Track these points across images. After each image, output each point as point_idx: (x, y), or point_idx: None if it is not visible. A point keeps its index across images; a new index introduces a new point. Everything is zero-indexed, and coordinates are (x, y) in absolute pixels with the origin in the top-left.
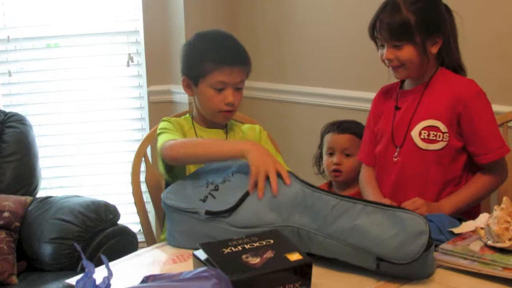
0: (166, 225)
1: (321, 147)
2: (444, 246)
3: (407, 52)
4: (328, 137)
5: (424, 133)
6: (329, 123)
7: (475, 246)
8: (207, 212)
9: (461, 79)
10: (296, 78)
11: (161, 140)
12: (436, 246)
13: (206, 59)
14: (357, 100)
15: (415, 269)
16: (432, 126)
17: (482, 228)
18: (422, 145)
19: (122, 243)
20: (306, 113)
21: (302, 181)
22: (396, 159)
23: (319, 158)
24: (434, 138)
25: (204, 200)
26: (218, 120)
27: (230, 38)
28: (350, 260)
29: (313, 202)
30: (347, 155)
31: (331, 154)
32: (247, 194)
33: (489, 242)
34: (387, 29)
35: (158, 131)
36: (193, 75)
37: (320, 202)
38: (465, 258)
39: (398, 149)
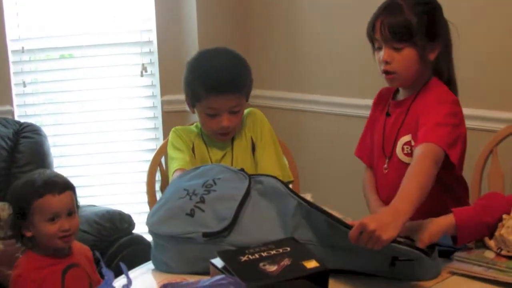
0: (153, 253)
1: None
2: (459, 253)
3: (407, 55)
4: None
5: (407, 148)
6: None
7: (490, 253)
8: (205, 235)
9: (441, 90)
10: (309, 87)
11: (170, 171)
12: (450, 253)
13: (198, 85)
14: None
15: (426, 266)
16: (410, 141)
17: (490, 239)
18: (406, 160)
19: (137, 252)
20: (320, 122)
21: (300, 197)
22: (385, 171)
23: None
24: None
25: (191, 215)
26: (217, 140)
27: (226, 61)
28: (361, 268)
29: (313, 220)
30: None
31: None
32: (241, 206)
33: (504, 252)
34: (389, 29)
35: (168, 156)
36: (189, 97)
37: (318, 221)
38: (480, 265)
39: (387, 160)
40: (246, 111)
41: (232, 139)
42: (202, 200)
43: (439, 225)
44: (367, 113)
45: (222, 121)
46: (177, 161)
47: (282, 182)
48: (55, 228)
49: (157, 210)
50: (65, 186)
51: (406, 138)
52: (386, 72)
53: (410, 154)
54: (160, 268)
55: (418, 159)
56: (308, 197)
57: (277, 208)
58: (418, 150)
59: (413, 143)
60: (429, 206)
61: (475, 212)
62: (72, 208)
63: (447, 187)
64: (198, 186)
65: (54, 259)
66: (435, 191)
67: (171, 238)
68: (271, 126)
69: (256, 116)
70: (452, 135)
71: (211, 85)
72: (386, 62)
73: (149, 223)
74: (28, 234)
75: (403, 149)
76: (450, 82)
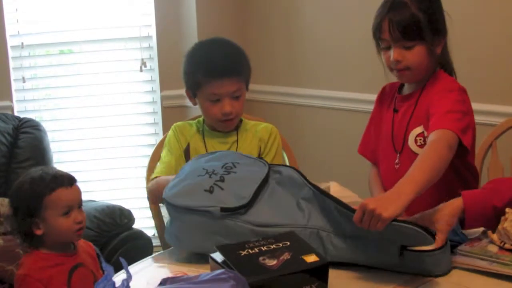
0: (168, 227)
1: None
2: (462, 247)
3: (418, 52)
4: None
5: (420, 139)
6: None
7: (493, 247)
8: (223, 209)
9: (448, 80)
10: (309, 82)
11: (154, 173)
12: (453, 247)
13: (198, 72)
14: (370, 103)
15: (436, 261)
16: (422, 132)
17: (493, 232)
18: (420, 151)
19: (137, 248)
20: (320, 116)
21: (315, 186)
22: (397, 166)
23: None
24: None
25: (210, 191)
26: (220, 128)
27: (224, 47)
28: (371, 260)
29: (327, 208)
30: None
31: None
32: (259, 189)
33: (507, 245)
34: (398, 28)
35: (161, 154)
36: (190, 87)
37: (330, 209)
38: (484, 259)
39: (398, 155)
40: (264, 124)
41: (237, 142)
42: (222, 179)
43: (452, 208)
44: (366, 107)
45: (224, 106)
46: (161, 165)
47: (298, 171)
48: (69, 221)
49: (176, 185)
50: (72, 179)
51: (418, 130)
52: (398, 70)
53: (423, 146)
54: (171, 241)
55: (430, 144)
56: (329, 185)
57: (293, 196)
58: (431, 137)
59: (425, 134)
60: (442, 194)
61: (483, 195)
62: (81, 201)
63: (459, 175)
64: (217, 167)
65: (60, 257)
66: (448, 179)
67: (188, 210)
68: (281, 144)
69: (272, 130)
70: (463, 122)
71: (210, 70)
72: (397, 61)
73: (167, 195)
74: (38, 232)
75: (416, 141)
76: (452, 73)
